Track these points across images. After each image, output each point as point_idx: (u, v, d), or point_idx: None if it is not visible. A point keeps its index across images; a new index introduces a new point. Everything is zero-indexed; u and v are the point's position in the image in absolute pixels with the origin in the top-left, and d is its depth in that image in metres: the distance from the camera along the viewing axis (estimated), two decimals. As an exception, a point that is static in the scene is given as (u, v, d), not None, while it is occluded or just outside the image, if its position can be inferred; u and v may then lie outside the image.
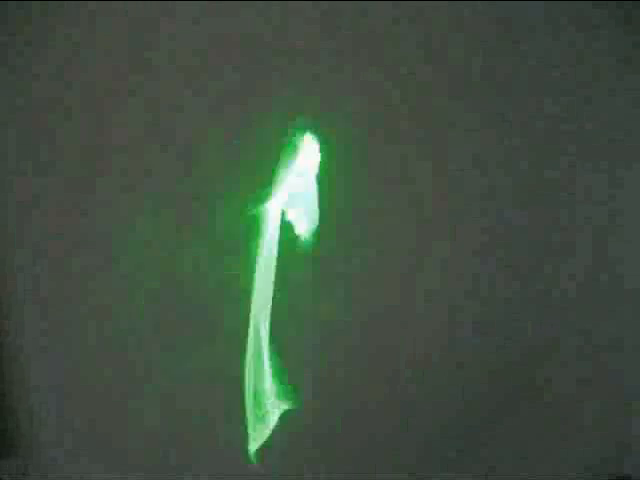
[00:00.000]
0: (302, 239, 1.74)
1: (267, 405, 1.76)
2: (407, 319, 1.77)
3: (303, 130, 1.70)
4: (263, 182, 1.71)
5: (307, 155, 1.73)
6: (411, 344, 1.78)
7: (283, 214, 1.74)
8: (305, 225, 1.74)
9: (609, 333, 1.84)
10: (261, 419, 1.76)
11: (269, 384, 1.77)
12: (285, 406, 1.77)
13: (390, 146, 1.74)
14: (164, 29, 1.65)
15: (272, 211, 1.73)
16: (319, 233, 1.73)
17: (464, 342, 1.79)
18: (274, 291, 1.73)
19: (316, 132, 1.71)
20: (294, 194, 1.74)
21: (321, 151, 1.72)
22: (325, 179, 1.73)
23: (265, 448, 1.76)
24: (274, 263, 1.73)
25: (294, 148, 1.71)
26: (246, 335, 1.73)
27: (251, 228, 1.71)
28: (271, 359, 1.76)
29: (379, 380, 1.78)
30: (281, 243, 1.73)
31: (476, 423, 1.81)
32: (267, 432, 1.77)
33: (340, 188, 1.73)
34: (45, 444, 1.75)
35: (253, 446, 1.76)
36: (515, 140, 1.78)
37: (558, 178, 1.81)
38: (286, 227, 1.74)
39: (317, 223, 1.73)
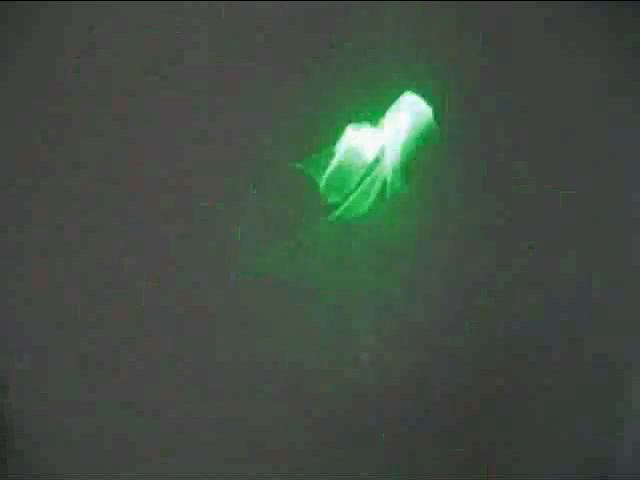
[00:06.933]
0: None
1: None
2: (406, 318, 1.78)
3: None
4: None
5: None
6: (410, 344, 1.78)
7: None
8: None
9: (609, 333, 1.84)
10: None
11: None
12: None
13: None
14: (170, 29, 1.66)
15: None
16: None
17: (464, 342, 1.79)
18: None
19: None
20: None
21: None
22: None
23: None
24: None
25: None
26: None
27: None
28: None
29: (378, 379, 1.79)
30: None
31: (475, 423, 1.81)
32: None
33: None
34: (44, 444, 1.75)
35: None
36: (512, 140, 1.79)
37: (558, 178, 1.81)
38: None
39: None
